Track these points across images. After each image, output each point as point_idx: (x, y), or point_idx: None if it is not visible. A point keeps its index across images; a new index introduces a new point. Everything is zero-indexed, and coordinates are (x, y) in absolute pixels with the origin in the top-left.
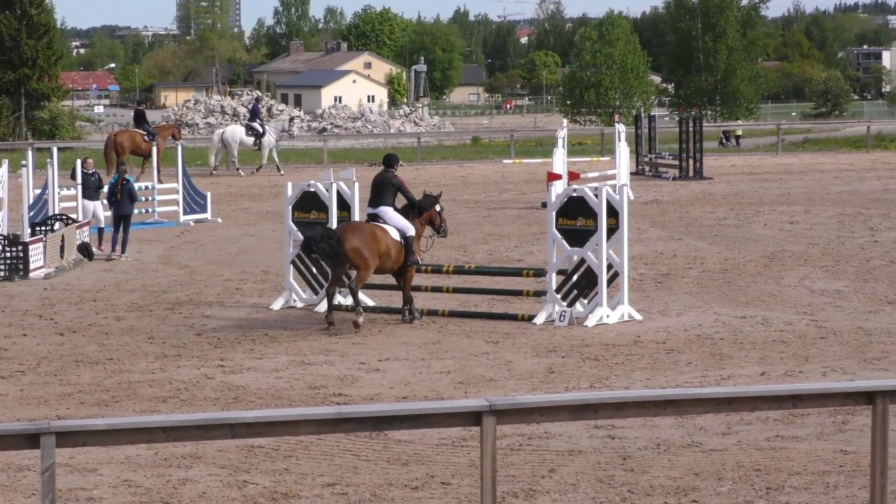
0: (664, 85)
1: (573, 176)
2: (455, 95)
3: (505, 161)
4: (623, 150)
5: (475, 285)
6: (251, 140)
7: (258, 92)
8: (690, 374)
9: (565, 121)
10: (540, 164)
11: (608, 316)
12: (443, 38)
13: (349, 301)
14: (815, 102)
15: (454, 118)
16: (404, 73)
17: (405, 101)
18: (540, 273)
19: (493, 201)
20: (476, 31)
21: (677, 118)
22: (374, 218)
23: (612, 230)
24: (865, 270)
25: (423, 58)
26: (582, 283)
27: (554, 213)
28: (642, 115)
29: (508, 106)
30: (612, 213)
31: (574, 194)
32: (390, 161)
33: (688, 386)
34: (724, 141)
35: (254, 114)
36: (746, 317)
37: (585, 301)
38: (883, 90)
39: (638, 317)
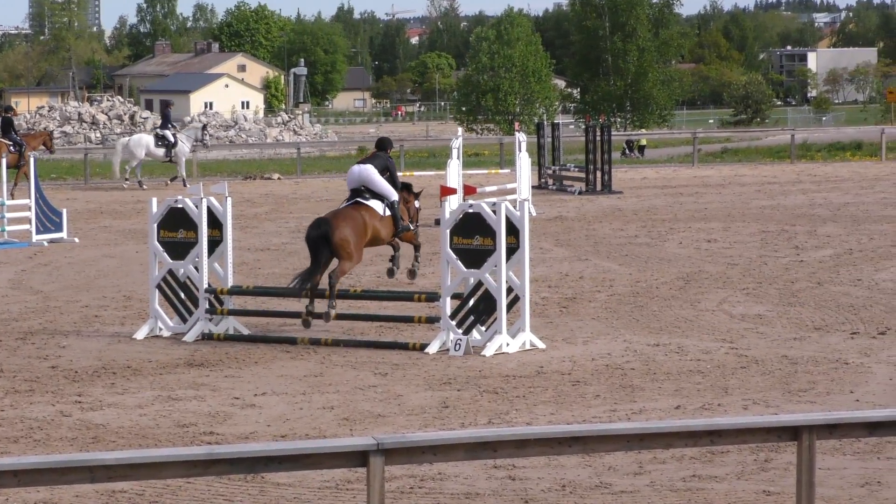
0: (569, 90)
1: (469, 190)
2: (339, 101)
3: None
4: (524, 162)
5: (361, 311)
6: (161, 151)
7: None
8: (598, 407)
9: (460, 129)
10: (432, 177)
11: (508, 344)
12: (325, 38)
13: (220, 329)
14: (735, 109)
15: (338, 126)
16: (282, 77)
17: (283, 107)
18: (433, 297)
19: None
20: (361, 30)
21: (583, 126)
22: (357, 193)
23: (513, 250)
24: (790, 293)
25: (302, 60)
26: (479, 309)
27: (448, 232)
28: (545, 122)
29: (399, 113)
30: (512, 230)
31: (470, 210)
32: (382, 144)
33: (595, 421)
34: (627, 151)
35: (165, 120)
36: (660, 344)
37: (483, 328)
38: (808, 95)
39: (541, 345)
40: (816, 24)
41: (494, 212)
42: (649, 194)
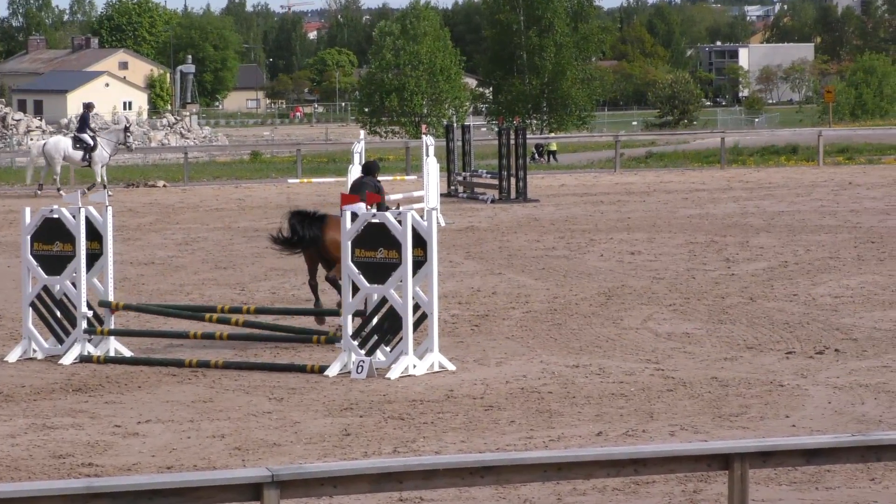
0: (480, 89)
1: (372, 198)
2: (230, 102)
3: (291, 180)
4: (432, 168)
5: (255, 331)
6: (79, 154)
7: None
8: (513, 434)
9: (363, 132)
10: (332, 185)
11: (415, 366)
12: (214, 32)
13: (100, 350)
14: (660, 110)
15: (229, 129)
16: (168, 75)
17: (169, 108)
18: (333, 314)
19: (276, 229)
20: (255, 24)
21: (496, 129)
22: (357, 188)
23: (419, 263)
24: (720, 310)
25: (190, 56)
26: (383, 327)
27: (349, 243)
28: (455, 125)
29: (297, 114)
30: (419, 242)
31: (373, 220)
32: (369, 169)
33: (510, 449)
34: (536, 156)
35: (83, 123)
36: (580, 366)
37: (388, 349)
38: (740, 94)
39: (451, 367)
40: (748, 18)
41: (400, 222)
42: (568, 203)
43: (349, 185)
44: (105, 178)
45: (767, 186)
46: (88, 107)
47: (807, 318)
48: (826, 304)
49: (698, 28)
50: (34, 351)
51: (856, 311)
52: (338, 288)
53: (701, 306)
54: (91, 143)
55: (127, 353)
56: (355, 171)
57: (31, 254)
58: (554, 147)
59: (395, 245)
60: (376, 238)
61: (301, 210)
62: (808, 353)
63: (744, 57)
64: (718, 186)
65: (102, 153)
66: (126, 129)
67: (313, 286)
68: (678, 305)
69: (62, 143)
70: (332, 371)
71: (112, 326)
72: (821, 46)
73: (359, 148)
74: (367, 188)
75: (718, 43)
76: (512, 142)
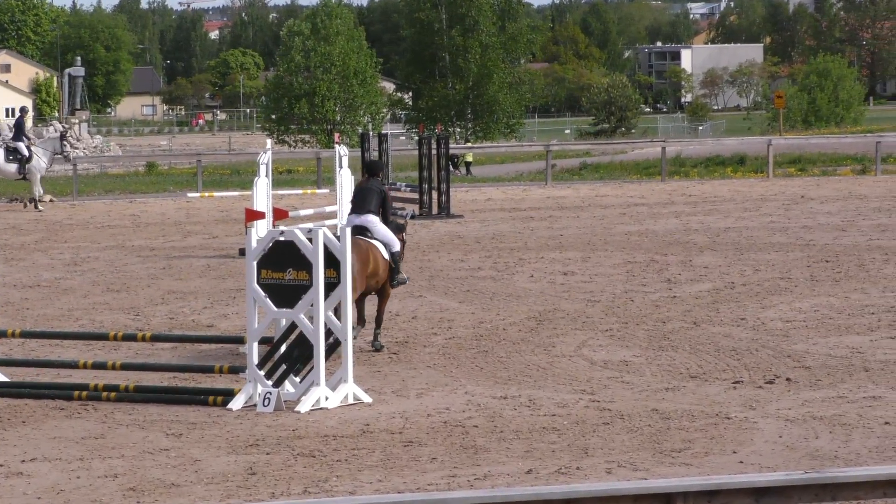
0: (399, 94)
1: (280, 214)
2: (123, 108)
3: (190, 194)
4: (346, 180)
5: (151, 359)
6: (13, 167)
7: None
8: (435, 472)
9: (270, 141)
10: (236, 199)
11: (327, 398)
12: (106, 32)
13: None
14: (595, 116)
15: (122, 138)
16: (55, 79)
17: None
18: (237, 341)
19: (174, 248)
20: (151, 22)
21: (416, 138)
22: (360, 230)
23: (332, 285)
24: (661, 335)
25: (79, 58)
26: (292, 356)
27: (255, 264)
28: (371, 133)
29: (200, 121)
30: (332, 262)
31: (281, 238)
32: (374, 168)
33: (431, 489)
34: (452, 168)
35: (18, 131)
36: (508, 397)
37: (297, 379)
38: (682, 100)
39: (367, 399)
40: (692, 16)
41: (310, 240)
42: (495, 218)
43: (351, 191)
44: (41, 191)
45: (712, 200)
46: (24, 111)
47: (755, 345)
48: (776, 329)
49: (637, 27)
50: None
51: (809, 336)
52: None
53: (640, 331)
54: (27, 153)
55: (2, 378)
56: (262, 185)
57: None
58: (470, 158)
59: (306, 265)
60: (285, 258)
61: None
62: (756, 382)
63: (686, 59)
64: (659, 201)
65: (40, 164)
66: (62, 137)
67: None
68: (615, 331)
69: None
70: (236, 404)
71: None
72: (771, 47)
73: (265, 158)
74: (374, 196)
75: (659, 43)
76: (433, 152)
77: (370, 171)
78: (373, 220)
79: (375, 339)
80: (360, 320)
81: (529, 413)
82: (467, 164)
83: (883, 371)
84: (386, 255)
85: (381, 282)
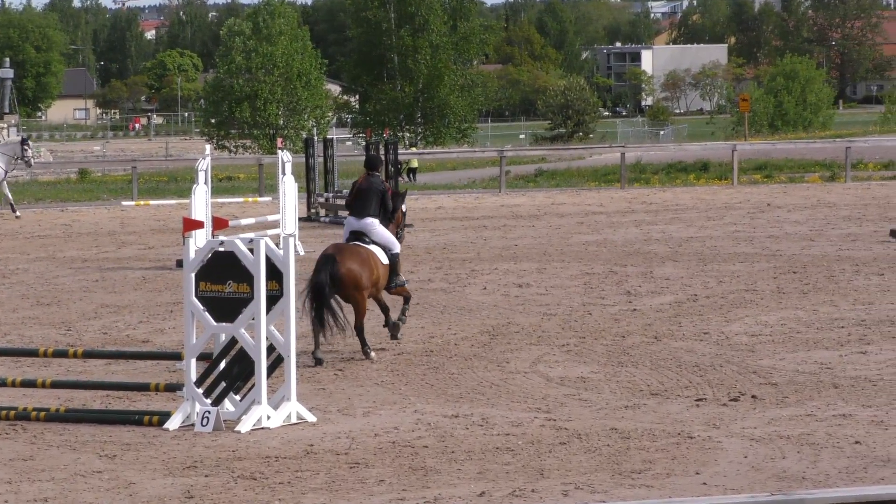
0: (345, 97)
1: (220, 223)
2: (55, 112)
3: (125, 203)
4: (289, 188)
5: (83, 376)
6: None
7: None
8: (383, 495)
9: (209, 146)
10: (174, 208)
11: (269, 417)
12: (36, 31)
13: None
14: (552, 121)
15: (53, 143)
16: None
17: None
18: (174, 357)
19: (108, 259)
20: (83, 21)
21: (363, 143)
22: (357, 236)
23: (275, 298)
24: (620, 350)
25: (8, 59)
26: (232, 373)
27: (193, 276)
28: (316, 138)
29: (136, 126)
30: (275, 274)
31: (221, 249)
32: (374, 163)
33: None
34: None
35: None
36: (459, 416)
37: (238, 397)
38: (642, 103)
39: (311, 418)
40: (653, 16)
41: (252, 250)
42: (446, 228)
43: (353, 190)
44: (10, 197)
45: (674, 209)
46: None
47: (719, 360)
48: (741, 344)
49: (595, 27)
50: None
51: (775, 351)
52: (363, 342)
53: (598, 346)
54: None
55: None
56: (200, 193)
57: None
58: (415, 164)
59: (247, 277)
60: (224, 269)
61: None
62: (721, 399)
63: (647, 60)
64: (618, 209)
65: None
66: (24, 142)
67: (319, 327)
68: (572, 346)
69: None
70: (173, 423)
71: None
72: (735, 48)
73: (204, 165)
74: (373, 198)
75: (618, 44)
76: (382, 157)
77: (370, 167)
78: (371, 223)
79: (401, 317)
80: (385, 308)
81: (482, 432)
82: (412, 171)
83: (853, 388)
84: (385, 260)
85: (381, 287)
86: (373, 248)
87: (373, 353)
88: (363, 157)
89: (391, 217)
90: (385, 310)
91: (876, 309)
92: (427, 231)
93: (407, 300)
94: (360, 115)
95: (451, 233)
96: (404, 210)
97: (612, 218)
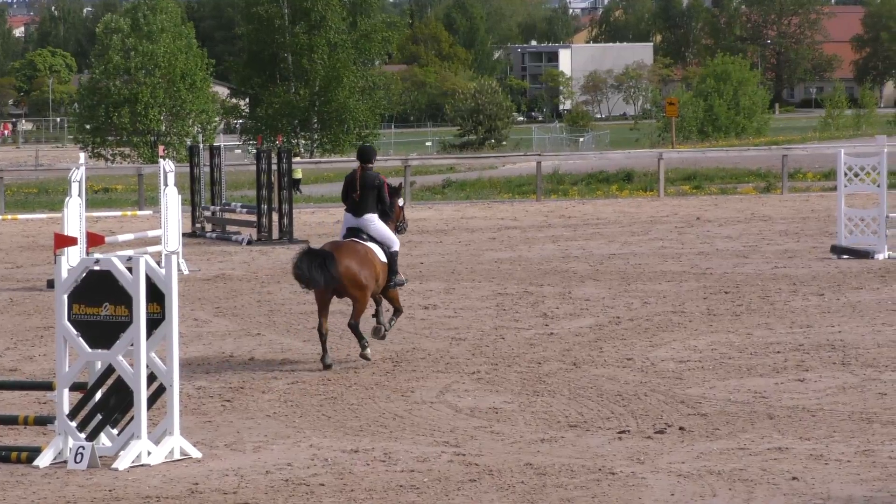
0: (234, 100)
1: (95, 240)
2: None
3: None
4: (172, 200)
5: None
6: None
7: None
8: None
9: (83, 155)
10: (45, 222)
11: (150, 453)
12: None
13: None
14: (461, 126)
15: None
16: None
17: None
18: (45, 387)
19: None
20: None
21: (254, 151)
22: (354, 232)
23: (156, 322)
24: (536, 378)
25: None
26: (109, 404)
27: (66, 297)
28: (201, 145)
29: (5, 132)
30: (156, 295)
31: (96, 267)
32: (368, 155)
33: None
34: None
35: None
36: (359, 450)
37: (115, 431)
38: (560, 107)
39: (196, 453)
40: (571, 12)
41: (130, 269)
42: None
43: (346, 184)
44: None
45: (595, 223)
46: None
47: (644, 389)
48: (668, 371)
49: (508, 24)
50: None
51: (705, 379)
52: (359, 336)
53: (512, 374)
54: None
55: None
56: (74, 206)
57: None
58: (299, 174)
59: (125, 299)
60: (100, 290)
61: (310, 252)
62: (645, 432)
63: (565, 60)
64: (534, 223)
65: None
66: None
67: (323, 334)
68: (483, 373)
69: None
70: (44, 460)
71: None
72: (662, 47)
73: (78, 175)
74: (371, 194)
75: (534, 43)
76: (274, 167)
77: (363, 159)
78: (369, 219)
79: (390, 322)
80: (396, 311)
81: (384, 469)
82: (296, 182)
83: (790, 419)
84: (383, 258)
85: (380, 286)
86: (370, 244)
87: (369, 350)
88: (253, 167)
89: (390, 212)
90: (379, 304)
91: (815, 332)
92: None
93: (397, 312)
94: (251, 121)
95: None
96: (401, 203)
97: (528, 233)
